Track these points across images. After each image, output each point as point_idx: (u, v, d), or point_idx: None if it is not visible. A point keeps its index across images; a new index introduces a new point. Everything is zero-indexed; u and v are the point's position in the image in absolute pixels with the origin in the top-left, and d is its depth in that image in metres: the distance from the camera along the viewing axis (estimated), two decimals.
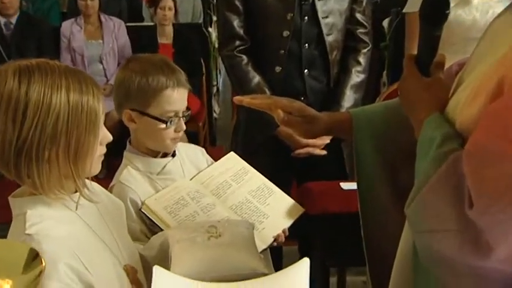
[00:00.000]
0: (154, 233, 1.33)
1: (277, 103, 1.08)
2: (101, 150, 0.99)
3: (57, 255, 0.90)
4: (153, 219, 1.33)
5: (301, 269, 0.82)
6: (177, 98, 1.31)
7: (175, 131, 1.34)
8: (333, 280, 1.99)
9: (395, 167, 1.03)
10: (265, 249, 1.35)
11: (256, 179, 1.52)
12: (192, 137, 3.14)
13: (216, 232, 1.12)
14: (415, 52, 0.91)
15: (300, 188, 1.94)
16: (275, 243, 1.39)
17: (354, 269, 2.17)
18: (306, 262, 0.81)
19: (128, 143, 1.42)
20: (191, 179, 1.46)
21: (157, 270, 0.83)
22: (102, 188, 1.17)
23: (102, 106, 0.95)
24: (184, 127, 1.37)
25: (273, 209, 1.46)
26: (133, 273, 1.07)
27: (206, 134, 3.75)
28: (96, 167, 0.99)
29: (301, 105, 1.10)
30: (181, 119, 1.35)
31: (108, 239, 1.04)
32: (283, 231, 1.43)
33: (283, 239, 1.43)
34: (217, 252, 1.05)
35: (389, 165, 1.04)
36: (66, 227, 0.96)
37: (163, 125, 1.30)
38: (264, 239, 1.34)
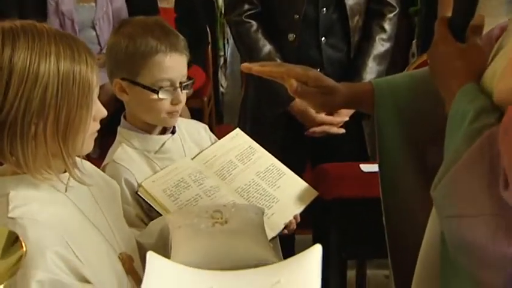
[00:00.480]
0: (151, 218, 1.34)
1: (290, 71, 1.07)
2: (94, 127, 0.99)
3: (45, 242, 0.91)
4: (150, 203, 1.34)
5: (312, 257, 0.82)
6: (170, 64, 1.30)
7: (171, 103, 1.34)
8: (351, 274, 2.00)
9: (423, 145, 1.03)
10: (274, 238, 1.36)
11: (265, 159, 1.53)
12: (196, 114, 3.14)
13: (221, 218, 1.12)
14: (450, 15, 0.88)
15: (314, 170, 1.94)
16: (285, 231, 1.41)
17: (375, 261, 2.20)
18: (317, 249, 0.81)
19: (122, 117, 1.44)
20: (193, 159, 1.47)
21: (151, 257, 0.83)
22: (95, 168, 1.18)
23: (96, 77, 0.95)
24: (182, 99, 1.36)
25: (284, 193, 1.48)
26: (129, 262, 1.08)
27: (212, 111, 3.73)
28: (88, 145, 0.99)
29: (317, 74, 1.09)
30: (179, 89, 1.35)
31: (101, 225, 1.05)
32: (295, 218, 1.43)
33: (295, 226, 1.44)
34: (223, 240, 1.06)
35: (415, 143, 1.04)
36: (54, 210, 0.96)
37: (155, 96, 1.30)
38: (273, 226, 1.35)
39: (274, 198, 1.44)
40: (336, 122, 1.83)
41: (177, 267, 0.87)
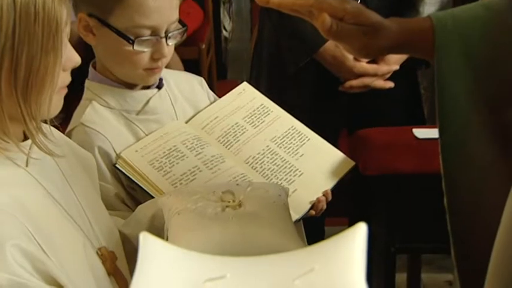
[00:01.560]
0: (136, 200, 1.41)
1: (322, 3, 1.07)
2: (64, 79, 1.02)
3: (1, 233, 0.93)
4: (134, 179, 1.40)
5: (355, 239, 0.85)
6: (155, 6, 1.35)
7: (152, 57, 1.40)
8: (401, 278, 2.09)
9: (500, 104, 1.05)
10: (297, 221, 1.42)
11: (282, 121, 1.59)
12: (191, 67, 3.14)
13: (233, 200, 1.16)
14: None
15: (351, 137, 2.01)
16: (312, 212, 1.48)
17: (434, 261, 2.29)
18: (361, 229, 0.84)
19: (91, 67, 1.49)
20: (187, 122, 1.53)
21: (145, 239, 0.86)
22: (66, 137, 1.22)
23: (67, 11, 0.97)
24: (166, 53, 1.42)
25: (309, 163, 1.54)
26: (111, 260, 1.13)
27: (212, 62, 3.69)
28: (56, 105, 1.02)
29: (358, 8, 1.10)
30: (165, 40, 1.41)
31: (74, 211, 1.08)
32: (325, 195, 1.51)
33: (324, 205, 1.51)
34: (237, 229, 1.11)
35: (490, 100, 1.06)
36: (11, 190, 0.97)
37: (130, 47, 1.36)
38: (295, 206, 1.40)
39: (296, 170, 1.51)
40: (381, 73, 1.88)
41: (179, 252, 0.90)
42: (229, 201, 1.16)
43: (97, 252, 1.11)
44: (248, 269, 0.87)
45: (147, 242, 0.85)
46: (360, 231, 0.83)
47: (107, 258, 1.13)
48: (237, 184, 1.23)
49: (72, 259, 1.03)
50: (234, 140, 1.52)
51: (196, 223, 1.12)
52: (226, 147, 1.50)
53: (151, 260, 0.83)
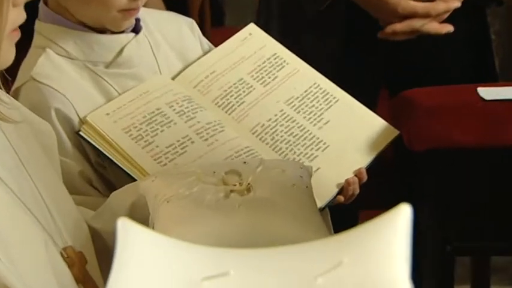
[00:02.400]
0: (106, 181, 1.47)
1: None
2: (16, 17, 1.07)
3: None
4: (104, 151, 1.46)
5: (396, 225, 0.88)
6: None
7: None
8: None
9: None
10: (321, 211, 1.45)
11: (302, 77, 1.63)
12: (176, 8, 3.16)
13: (240, 183, 1.21)
14: None
15: (393, 99, 2.04)
16: (340, 198, 1.54)
17: (506, 266, 2.34)
18: (404, 212, 0.87)
19: (41, 3, 1.54)
20: (174, 78, 1.57)
21: (125, 226, 0.89)
22: (14, 100, 1.27)
23: None
24: None
25: (337, 133, 1.58)
26: (80, 263, 1.18)
27: (205, 2, 3.71)
28: (7, 54, 1.07)
29: None
30: None
31: (31, 199, 1.12)
32: (358, 175, 1.55)
33: (357, 190, 1.55)
34: (245, 222, 1.16)
35: None
36: None
37: None
38: (318, 190, 1.42)
39: (319, 142, 1.55)
40: (436, 12, 1.90)
41: (170, 244, 0.94)
42: (234, 185, 1.20)
43: (61, 254, 1.17)
44: (257, 264, 0.90)
45: (128, 230, 0.88)
46: (402, 215, 0.86)
47: (75, 261, 1.18)
48: (244, 162, 1.27)
49: (30, 262, 1.08)
50: (237, 102, 1.56)
51: (192, 214, 1.17)
52: (226, 111, 1.54)
53: (133, 254, 0.85)
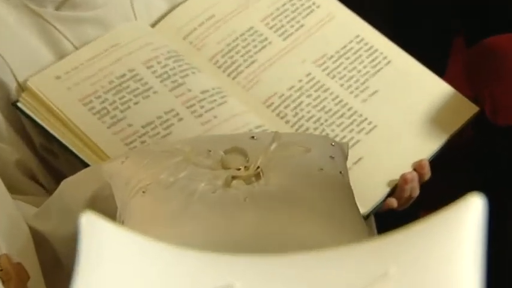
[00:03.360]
0: (57, 173, 1.35)
1: None
2: None
3: None
4: (51, 130, 1.32)
5: (463, 222, 0.77)
6: None
7: None
8: None
9: None
10: (366, 218, 1.35)
11: (340, 26, 1.51)
12: None
13: (246, 167, 1.08)
14: None
15: (471, 50, 1.84)
16: (392, 203, 1.41)
17: None
18: (474, 205, 0.76)
19: None
20: (155, 26, 1.47)
21: (91, 223, 0.77)
22: None
23: None
24: None
25: (388, 108, 1.46)
26: (18, 279, 1.09)
27: None
28: None
29: None
30: None
31: None
32: (418, 169, 1.41)
33: (417, 190, 1.41)
34: (253, 222, 1.04)
35: None
36: None
37: None
38: (362, 188, 1.34)
39: (362, 121, 1.45)
40: None
41: (156, 248, 0.82)
42: (238, 169, 1.07)
43: None
44: (271, 274, 0.80)
45: (97, 230, 0.78)
46: (471, 210, 0.77)
47: (11, 275, 1.09)
48: (253, 137, 1.14)
49: None
50: (245, 61, 1.42)
51: (178, 210, 1.05)
52: (229, 75, 1.40)
53: (104, 263, 0.76)
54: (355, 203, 1.14)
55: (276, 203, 1.07)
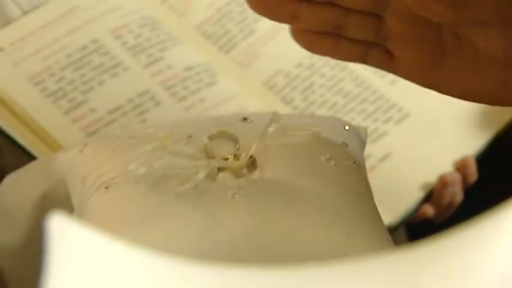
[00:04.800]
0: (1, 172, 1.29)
1: None
2: None
3: None
4: None
5: (498, 232, 0.62)
6: None
7: None
8: None
9: None
10: (393, 229, 1.24)
11: None
12: None
13: (236, 155, 0.92)
14: None
15: None
16: (428, 210, 1.28)
17: None
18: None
19: None
20: None
21: (60, 224, 0.60)
22: None
23: None
24: None
25: (424, 89, 1.28)
26: None
27: None
28: None
29: None
30: None
31: None
32: (461, 168, 1.28)
33: (459, 195, 1.29)
34: (245, 224, 0.88)
35: None
36: None
37: None
38: (389, 192, 1.27)
39: (389, 107, 1.28)
40: None
41: (143, 256, 0.65)
42: (226, 158, 0.91)
43: None
44: None
45: (65, 233, 0.62)
46: (508, 218, 0.63)
47: None
48: (245, 119, 1.00)
49: None
50: (241, 31, 1.26)
51: (150, 209, 0.89)
52: (220, 48, 1.26)
53: (79, 275, 0.61)
54: (373, 201, 0.95)
55: (273, 200, 0.89)
